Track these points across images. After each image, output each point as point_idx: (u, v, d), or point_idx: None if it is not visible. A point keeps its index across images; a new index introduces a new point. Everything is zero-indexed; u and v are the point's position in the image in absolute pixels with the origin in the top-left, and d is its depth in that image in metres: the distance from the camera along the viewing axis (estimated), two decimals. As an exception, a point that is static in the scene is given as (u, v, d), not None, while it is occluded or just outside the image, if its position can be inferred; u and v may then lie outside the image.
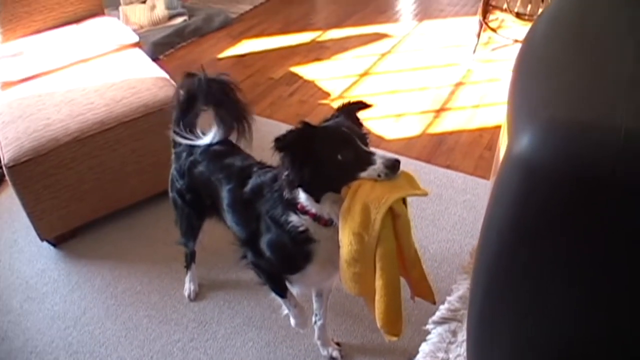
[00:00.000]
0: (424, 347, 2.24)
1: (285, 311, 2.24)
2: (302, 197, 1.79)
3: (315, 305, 2.39)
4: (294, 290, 2.16)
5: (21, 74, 3.35)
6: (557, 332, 1.12)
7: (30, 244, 3.10)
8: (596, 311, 1.04)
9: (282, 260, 2.01)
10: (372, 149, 1.71)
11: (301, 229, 1.86)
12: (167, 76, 3.27)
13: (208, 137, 2.29)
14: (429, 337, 2.26)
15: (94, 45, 3.57)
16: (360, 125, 1.88)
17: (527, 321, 1.14)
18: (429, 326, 2.29)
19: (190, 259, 2.73)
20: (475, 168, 3.40)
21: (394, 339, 1.84)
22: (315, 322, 2.41)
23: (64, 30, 3.78)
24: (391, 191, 1.63)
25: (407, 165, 3.35)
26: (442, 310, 2.33)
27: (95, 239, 3.12)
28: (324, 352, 2.45)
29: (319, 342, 2.45)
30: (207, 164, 2.28)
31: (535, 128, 0.93)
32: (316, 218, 1.82)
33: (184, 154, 2.38)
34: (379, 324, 1.79)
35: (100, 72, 3.30)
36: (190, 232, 2.57)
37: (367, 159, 1.65)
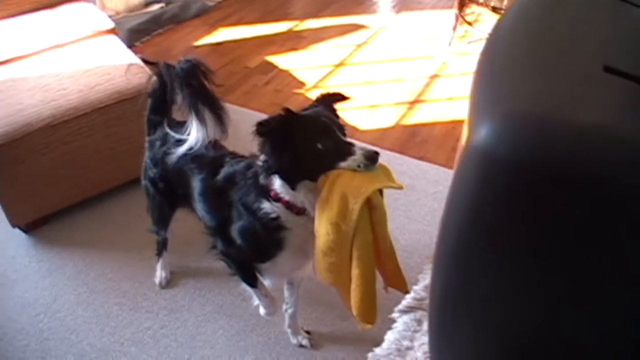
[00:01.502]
0: (390, 336, 2.26)
1: (256, 301, 2.26)
2: (277, 184, 1.81)
3: (286, 294, 2.41)
4: (265, 281, 2.17)
5: (-6, 59, 3.32)
6: (517, 322, 1.14)
7: (1, 230, 3.08)
8: (557, 304, 1.06)
9: (253, 248, 2.02)
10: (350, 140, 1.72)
11: (273, 215, 1.87)
12: (142, 63, 3.26)
13: (190, 141, 2.20)
14: (394, 325, 2.28)
15: (68, 30, 3.54)
16: (337, 116, 1.89)
17: (487, 309, 1.16)
18: (395, 315, 2.31)
19: (161, 247, 2.74)
20: (447, 160, 3.43)
21: (368, 327, 1.87)
22: (286, 310, 2.44)
23: (38, 15, 3.74)
24: (370, 182, 1.65)
25: (381, 156, 3.37)
26: (408, 299, 2.35)
27: (67, 226, 3.11)
28: (293, 341, 2.47)
29: (289, 331, 2.48)
30: (179, 154, 2.24)
31: (494, 120, 0.95)
32: (289, 206, 1.84)
33: (158, 143, 2.38)
34: (354, 312, 1.81)
35: (75, 58, 3.28)
36: (162, 220, 2.59)
37: (346, 149, 1.67)
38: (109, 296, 2.71)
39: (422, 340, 2.16)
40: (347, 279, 1.77)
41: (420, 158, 3.46)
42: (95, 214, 3.17)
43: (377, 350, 2.27)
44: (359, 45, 4.86)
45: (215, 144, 2.26)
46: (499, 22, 1.40)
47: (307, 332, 2.50)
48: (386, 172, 1.73)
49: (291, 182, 1.77)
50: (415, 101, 4.06)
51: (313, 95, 4.02)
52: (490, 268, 1.08)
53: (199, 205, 2.20)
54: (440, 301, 1.23)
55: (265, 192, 1.85)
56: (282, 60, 4.66)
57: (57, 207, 3.10)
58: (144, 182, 2.54)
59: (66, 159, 2.95)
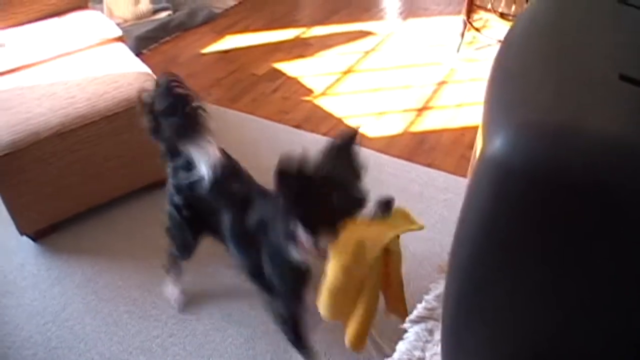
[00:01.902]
0: (401, 346, 2.24)
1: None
2: (299, 230, 1.82)
3: None
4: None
5: (2, 67, 3.32)
6: (531, 335, 1.13)
7: (9, 238, 3.08)
8: (572, 317, 1.06)
9: (289, 292, 2.06)
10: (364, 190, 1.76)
11: (302, 266, 1.93)
12: (150, 71, 3.26)
13: (203, 175, 2.23)
14: (405, 335, 2.26)
15: (76, 38, 3.55)
16: (354, 156, 1.90)
17: (501, 319, 1.15)
18: (406, 325, 2.29)
19: (176, 267, 2.68)
20: (456, 167, 3.42)
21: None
22: None
23: (46, 23, 3.75)
24: (387, 230, 1.71)
25: (389, 163, 3.40)
26: (419, 309, 2.33)
27: (76, 234, 3.10)
28: None
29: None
30: (207, 188, 2.25)
31: (509, 129, 0.94)
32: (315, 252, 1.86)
33: (181, 170, 2.33)
34: (347, 343, 1.89)
35: (83, 66, 3.28)
36: (185, 248, 2.54)
37: (361, 200, 1.71)
38: (118, 304, 2.70)
39: (434, 351, 2.14)
40: (348, 315, 1.84)
41: (429, 165, 3.45)
42: (104, 222, 3.16)
43: (388, 360, 2.26)
44: (366, 52, 4.86)
45: (233, 166, 2.31)
46: (511, 29, 1.40)
47: None
48: (404, 215, 1.80)
49: (311, 230, 1.80)
50: (424, 108, 4.05)
51: (321, 102, 4.03)
52: (504, 278, 1.07)
53: (231, 246, 2.24)
54: (454, 311, 1.23)
55: (292, 237, 1.86)
56: (289, 68, 4.66)
57: (65, 215, 3.10)
58: (168, 207, 2.46)
59: (74, 167, 2.95)
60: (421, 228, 1.78)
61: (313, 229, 1.79)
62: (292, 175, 1.71)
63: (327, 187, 1.73)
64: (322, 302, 1.80)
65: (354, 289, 1.75)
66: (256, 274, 2.14)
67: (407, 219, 1.80)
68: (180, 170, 2.33)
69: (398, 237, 1.80)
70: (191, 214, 2.38)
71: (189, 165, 2.28)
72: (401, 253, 1.85)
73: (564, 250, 0.97)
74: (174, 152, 2.34)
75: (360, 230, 1.69)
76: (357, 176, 1.81)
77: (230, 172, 2.27)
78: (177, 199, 2.39)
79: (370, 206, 1.69)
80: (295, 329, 2.18)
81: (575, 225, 0.94)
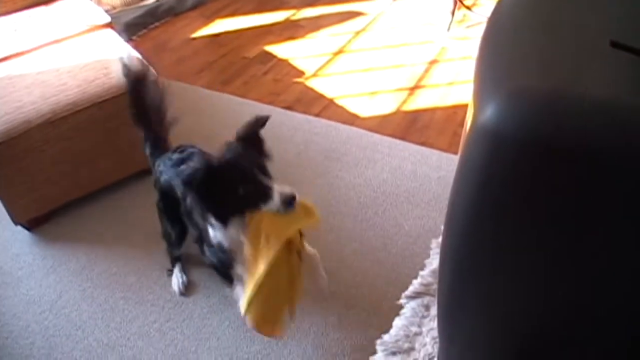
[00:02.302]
0: (397, 322, 2.26)
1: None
2: (212, 221, 2.02)
3: None
4: None
5: (-9, 56, 3.30)
6: (526, 303, 1.13)
7: (3, 228, 3.08)
8: (563, 280, 1.05)
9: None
10: (269, 182, 1.91)
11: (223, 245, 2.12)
12: (140, 56, 3.24)
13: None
14: (402, 311, 2.28)
15: (65, 26, 3.52)
16: (261, 144, 2.07)
17: (496, 293, 1.15)
18: (402, 301, 2.31)
19: (175, 259, 2.77)
20: (449, 145, 3.41)
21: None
22: None
23: (34, 12, 3.72)
24: (288, 225, 1.87)
25: (382, 142, 3.38)
26: (415, 284, 2.35)
27: (70, 222, 3.09)
28: None
29: None
30: (168, 171, 2.46)
31: (500, 97, 0.94)
32: None
33: (156, 167, 2.58)
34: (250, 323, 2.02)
35: (72, 53, 3.26)
36: (170, 239, 2.68)
37: (266, 193, 1.87)
38: (114, 291, 2.70)
39: (431, 326, 2.15)
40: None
41: (422, 144, 3.44)
42: (97, 209, 3.16)
43: (385, 337, 2.27)
44: (357, 33, 4.83)
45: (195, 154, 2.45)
46: (499, 3, 1.39)
47: None
48: (306, 210, 1.92)
49: (222, 220, 1.97)
50: (415, 87, 4.03)
51: (312, 84, 4.02)
52: (498, 247, 1.07)
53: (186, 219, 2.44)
54: (449, 284, 1.23)
55: (211, 226, 2.07)
56: (280, 50, 4.64)
57: (59, 203, 3.08)
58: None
59: (67, 154, 2.94)
60: (317, 222, 1.93)
61: (223, 217, 1.96)
62: (196, 181, 1.89)
63: (232, 178, 1.90)
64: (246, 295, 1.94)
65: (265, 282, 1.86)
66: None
67: (308, 214, 1.93)
68: (155, 163, 2.59)
69: (301, 234, 2.00)
70: (165, 203, 2.57)
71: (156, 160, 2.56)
72: (312, 254, 2.13)
73: (556, 217, 0.97)
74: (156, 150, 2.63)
75: (266, 223, 1.85)
76: (263, 168, 1.97)
77: (188, 155, 2.46)
78: (157, 198, 2.62)
79: (273, 201, 1.85)
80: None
81: (567, 190, 0.93)
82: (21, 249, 2.97)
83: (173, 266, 2.74)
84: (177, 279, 2.70)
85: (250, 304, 1.90)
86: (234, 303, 2.57)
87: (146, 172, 3.18)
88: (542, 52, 1.04)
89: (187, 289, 2.68)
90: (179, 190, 2.26)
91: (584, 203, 0.94)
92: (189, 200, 2.10)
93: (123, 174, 3.22)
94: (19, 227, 3.04)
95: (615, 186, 0.91)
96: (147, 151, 2.66)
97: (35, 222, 3.07)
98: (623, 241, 0.97)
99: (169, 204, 2.49)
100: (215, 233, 2.06)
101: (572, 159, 0.90)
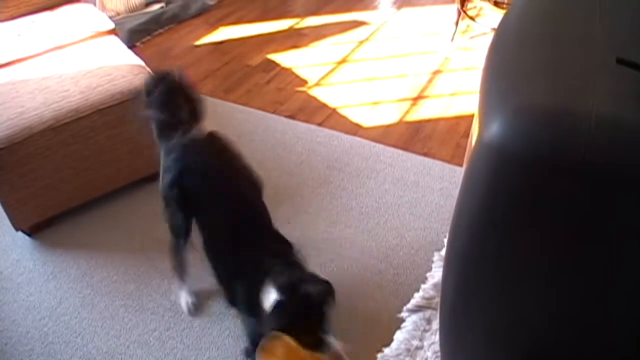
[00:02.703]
0: (399, 335, 2.25)
1: None
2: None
3: None
4: None
5: (-5, 61, 3.30)
6: (528, 317, 1.13)
7: (4, 234, 3.07)
8: (568, 298, 1.05)
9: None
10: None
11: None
12: (143, 63, 3.24)
13: None
14: (403, 325, 2.27)
15: (69, 32, 3.52)
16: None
17: (499, 307, 1.14)
18: (404, 314, 2.30)
19: (182, 270, 2.62)
20: (452, 156, 3.41)
21: None
22: None
23: (38, 17, 3.73)
24: None
25: (384, 152, 3.38)
26: (416, 298, 2.34)
27: (71, 228, 3.09)
28: None
29: None
30: (187, 156, 2.34)
31: (505, 114, 0.94)
32: None
33: (166, 148, 2.43)
34: None
35: (75, 59, 3.26)
36: (177, 229, 2.49)
37: (316, 346, 1.89)
38: (114, 298, 2.69)
39: (432, 340, 2.14)
40: None
41: (425, 154, 3.44)
42: (98, 216, 3.15)
43: (386, 350, 2.26)
44: (360, 42, 4.83)
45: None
46: (505, 17, 1.39)
47: None
48: None
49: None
50: (419, 97, 4.03)
51: (315, 93, 4.01)
52: (502, 263, 1.06)
53: (207, 252, 2.32)
54: (452, 298, 1.22)
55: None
56: (283, 58, 4.64)
57: (60, 209, 3.08)
58: (160, 188, 2.50)
59: (68, 161, 2.93)
60: None
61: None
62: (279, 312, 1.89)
63: (297, 324, 1.88)
64: None
65: None
66: (227, 290, 2.26)
67: None
68: (170, 152, 2.40)
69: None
70: (180, 193, 2.37)
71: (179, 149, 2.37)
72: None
73: (560, 232, 0.96)
74: (166, 134, 2.44)
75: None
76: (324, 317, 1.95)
77: (222, 167, 2.36)
78: (168, 178, 2.39)
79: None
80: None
81: (572, 206, 0.93)
82: (21, 255, 2.97)
83: (182, 279, 2.62)
84: (185, 300, 2.63)
85: None
86: (234, 312, 2.56)
87: (147, 179, 3.19)
88: (547, 68, 1.04)
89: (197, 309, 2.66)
90: (200, 189, 2.27)
91: (588, 219, 0.94)
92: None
93: (124, 181, 3.21)
94: (20, 233, 3.04)
95: (621, 203, 0.91)
96: (155, 133, 2.53)
97: (36, 228, 3.06)
98: (627, 257, 0.97)
99: (182, 191, 2.35)
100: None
101: (577, 176, 0.89)
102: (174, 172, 2.33)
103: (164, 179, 2.41)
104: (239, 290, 2.13)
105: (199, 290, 2.68)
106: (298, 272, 2.03)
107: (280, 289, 1.91)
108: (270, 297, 1.93)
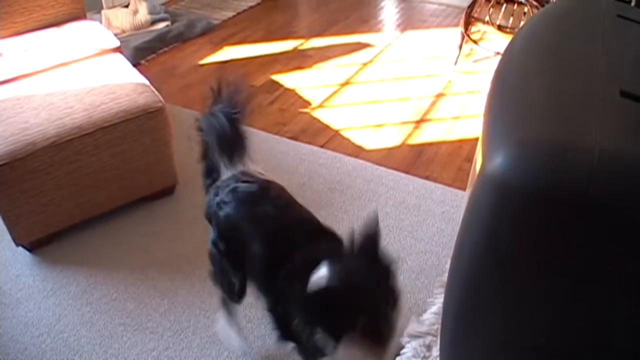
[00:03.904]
0: (398, 362, 2.24)
1: None
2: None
3: None
4: None
5: (-1, 77, 3.32)
6: (530, 347, 1.12)
7: (5, 249, 3.07)
8: (569, 332, 1.05)
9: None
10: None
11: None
12: (147, 82, 3.25)
13: None
14: (403, 351, 2.25)
15: (74, 49, 3.54)
16: (384, 263, 1.75)
17: (500, 336, 1.14)
18: (404, 340, 2.29)
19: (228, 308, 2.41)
20: (454, 179, 3.41)
21: None
22: None
23: (44, 33, 3.75)
24: None
25: (386, 175, 3.38)
26: (417, 323, 2.33)
27: (71, 245, 3.08)
28: None
29: None
30: (235, 206, 2.09)
31: (509, 147, 0.94)
32: None
33: (212, 195, 2.21)
34: None
35: (80, 76, 3.28)
36: (230, 288, 2.26)
37: (387, 333, 1.66)
38: (113, 317, 2.68)
39: (432, 366, 2.14)
40: None
41: (427, 178, 3.44)
42: (99, 234, 3.15)
43: (386, 376, 2.24)
44: (364, 64, 4.86)
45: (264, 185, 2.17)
46: (511, 44, 1.40)
47: None
48: None
49: (334, 336, 1.65)
50: (421, 120, 4.04)
51: (318, 114, 4.02)
52: (503, 293, 1.06)
53: (255, 282, 2.10)
54: (453, 326, 1.22)
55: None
56: (287, 79, 4.66)
57: (61, 226, 3.08)
58: (209, 247, 2.25)
59: (71, 178, 2.94)
60: None
61: (335, 334, 1.64)
62: (318, 297, 1.60)
63: (355, 306, 1.61)
64: None
65: None
66: (277, 319, 1.99)
67: None
68: (210, 192, 2.24)
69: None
70: (226, 245, 2.16)
71: (217, 187, 2.20)
72: None
73: (563, 267, 0.96)
74: (213, 173, 2.30)
75: None
76: (388, 298, 1.70)
77: (260, 190, 2.15)
78: (213, 234, 2.21)
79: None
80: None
81: (575, 240, 0.93)
82: (21, 270, 2.96)
83: (223, 307, 2.43)
84: (226, 331, 2.47)
85: None
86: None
87: (150, 197, 3.20)
88: (551, 100, 1.04)
89: (187, 317, 2.64)
90: (248, 235, 2.01)
91: (591, 253, 0.94)
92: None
93: (126, 199, 3.21)
94: (20, 248, 3.03)
95: (625, 238, 0.91)
96: (203, 172, 2.38)
97: (37, 244, 3.06)
98: (630, 292, 0.97)
99: (231, 246, 2.14)
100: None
101: (580, 210, 0.90)
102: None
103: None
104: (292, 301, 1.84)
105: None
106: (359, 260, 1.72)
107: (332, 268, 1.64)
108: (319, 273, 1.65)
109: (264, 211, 2.04)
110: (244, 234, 2.04)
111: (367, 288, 1.64)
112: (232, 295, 2.29)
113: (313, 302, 1.62)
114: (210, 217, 2.21)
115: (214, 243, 2.19)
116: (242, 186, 2.13)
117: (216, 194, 2.17)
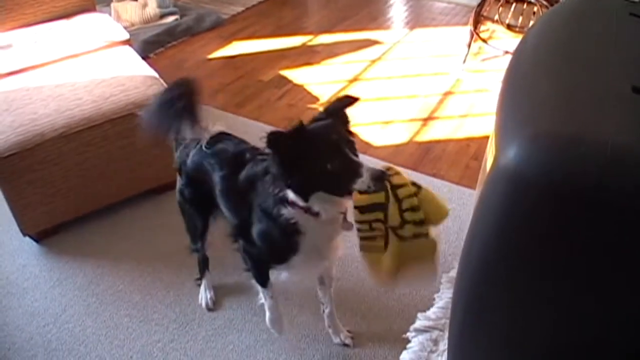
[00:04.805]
0: (405, 356, 2.24)
1: (261, 300, 2.29)
2: (290, 195, 1.82)
3: (320, 294, 2.43)
4: (282, 275, 2.19)
5: (9, 67, 3.32)
6: (538, 342, 1.12)
7: (12, 238, 3.08)
8: (576, 328, 1.05)
9: (271, 251, 2.06)
10: (358, 158, 1.73)
11: (292, 220, 1.89)
12: (157, 75, 3.26)
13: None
14: (409, 345, 2.26)
15: (83, 41, 3.55)
16: (347, 123, 1.90)
17: (509, 332, 1.14)
18: (410, 334, 2.29)
19: (203, 267, 2.69)
20: (461, 177, 3.41)
21: None
22: (323, 311, 2.45)
23: (54, 25, 3.76)
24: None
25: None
26: (423, 319, 2.33)
27: (78, 236, 3.09)
28: (335, 340, 2.48)
29: (330, 330, 2.48)
30: (199, 151, 2.28)
31: (522, 141, 0.94)
32: (307, 210, 1.84)
33: (181, 149, 2.40)
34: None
35: (89, 68, 3.29)
36: (196, 232, 2.54)
37: (355, 171, 1.68)
38: (119, 308, 2.69)
39: (438, 361, 2.14)
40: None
41: (434, 175, 3.44)
42: (106, 225, 3.16)
43: (392, 370, 2.25)
44: (372, 61, 4.86)
45: (231, 137, 2.32)
46: (523, 41, 1.40)
47: (349, 331, 2.49)
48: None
49: (302, 195, 1.80)
50: (429, 118, 4.04)
51: (327, 110, 4.01)
52: (513, 286, 1.06)
53: (221, 202, 2.23)
54: (462, 319, 1.22)
55: (283, 200, 1.86)
56: (295, 75, 4.66)
57: (68, 216, 3.09)
58: (177, 198, 2.53)
59: (79, 169, 2.95)
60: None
61: (305, 193, 1.79)
62: (283, 140, 1.70)
63: (323, 150, 1.72)
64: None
65: None
66: (242, 230, 2.14)
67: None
68: (179, 149, 2.42)
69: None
70: (192, 191, 2.41)
71: (187, 145, 2.37)
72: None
73: (575, 260, 0.96)
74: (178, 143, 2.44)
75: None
76: (352, 144, 1.78)
77: (221, 135, 2.32)
78: (180, 183, 2.46)
79: (363, 179, 1.67)
80: (260, 273, 2.20)
81: (586, 233, 0.93)
82: (28, 260, 2.97)
83: (202, 274, 2.70)
84: (204, 295, 2.69)
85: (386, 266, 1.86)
86: (240, 326, 2.56)
87: (157, 190, 3.20)
88: (564, 95, 1.04)
89: (192, 310, 2.66)
90: (214, 170, 2.20)
91: (602, 245, 0.94)
92: (265, 166, 1.92)
93: (133, 191, 3.22)
94: (27, 238, 3.05)
95: (635, 230, 0.91)
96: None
97: (44, 234, 3.07)
98: (638, 285, 0.97)
99: (196, 191, 2.39)
100: (284, 209, 1.88)
101: (592, 203, 0.90)
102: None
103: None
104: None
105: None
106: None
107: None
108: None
109: (222, 147, 2.24)
110: (206, 168, 2.24)
111: (330, 133, 1.76)
112: (196, 237, 2.55)
113: (284, 140, 1.72)
114: (180, 166, 2.42)
115: (181, 191, 2.47)
116: (206, 139, 2.30)
117: (185, 147, 2.38)
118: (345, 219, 1.96)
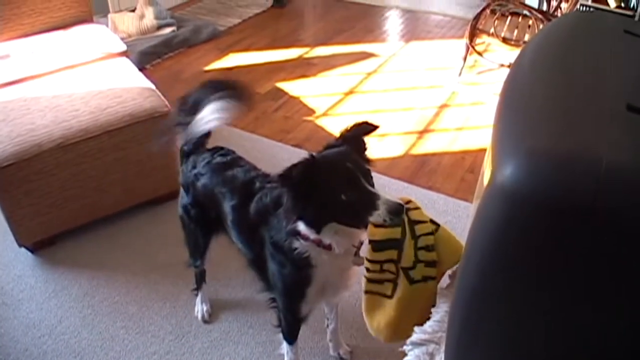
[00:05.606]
0: (401, 369, 2.23)
1: (282, 352, 2.30)
2: (302, 227, 1.78)
3: (326, 310, 2.42)
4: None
5: (7, 77, 3.33)
6: (535, 354, 1.13)
7: (7, 249, 3.08)
8: (574, 342, 1.06)
9: (288, 289, 2.02)
10: (374, 189, 1.68)
11: (304, 255, 1.86)
12: (153, 86, 3.27)
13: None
14: (406, 359, 2.25)
15: (81, 52, 3.56)
16: (364, 151, 1.87)
17: (506, 344, 1.15)
18: (406, 347, 2.28)
19: (200, 279, 2.67)
20: (456, 190, 3.42)
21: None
22: (327, 326, 2.45)
23: (51, 36, 3.77)
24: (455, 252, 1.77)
25: (389, 185, 3.39)
26: (419, 332, 2.32)
27: (74, 247, 3.09)
28: (334, 353, 2.48)
29: (330, 344, 2.48)
30: (210, 176, 2.24)
31: (518, 158, 0.95)
32: (319, 244, 1.81)
33: (189, 167, 2.35)
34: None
35: (86, 79, 3.29)
36: (197, 250, 2.50)
37: (371, 203, 1.62)
38: (114, 319, 2.69)
39: (434, 375, 2.13)
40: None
41: (429, 188, 3.45)
42: (103, 236, 3.16)
43: (386, 383, 2.25)
44: (368, 74, 4.88)
45: (237, 157, 2.32)
46: (520, 56, 1.41)
47: (348, 345, 2.51)
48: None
49: (315, 227, 1.75)
50: (425, 131, 4.06)
51: (322, 123, 4.04)
52: (510, 301, 1.07)
53: (233, 233, 2.20)
54: (458, 333, 1.22)
55: (295, 232, 1.82)
56: (292, 87, 4.68)
57: (64, 227, 3.09)
58: (179, 211, 2.48)
59: (75, 180, 2.95)
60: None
61: (317, 224, 1.74)
62: (295, 176, 1.66)
63: (337, 181, 1.67)
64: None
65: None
66: (258, 265, 2.12)
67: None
68: (187, 167, 2.37)
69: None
70: (198, 212, 2.37)
71: (195, 163, 2.33)
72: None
73: (571, 277, 0.97)
74: (185, 156, 2.42)
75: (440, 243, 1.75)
76: (367, 174, 1.71)
77: (232, 160, 2.29)
78: (185, 200, 2.41)
79: (379, 212, 1.61)
80: (290, 325, 2.18)
81: (584, 252, 0.94)
82: (23, 271, 2.97)
83: (199, 287, 2.67)
84: (200, 307, 2.69)
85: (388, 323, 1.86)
86: (236, 338, 2.56)
87: (154, 201, 3.21)
88: (560, 112, 1.05)
89: (188, 322, 2.66)
90: (225, 199, 2.15)
91: (598, 265, 0.95)
92: (278, 198, 1.89)
93: (130, 203, 3.23)
94: (23, 249, 3.04)
95: (631, 249, 0.92)
96: (183, 144, 2.46)
97: (40, 245, 3.07)
98: (636, 302, 0.98)
99: (203, 213, 2.34)
100: (296, 243, 1.84)
101: (587, 221, 0.91)
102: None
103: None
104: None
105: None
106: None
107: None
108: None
109: (232, 174, 2.19)
110: (217, 197, 2.19)
111: (344, 162, 1.70)
112: (196, 255, 2.52)
113: (297, 175, 1.67)
114: (187, 185, 2.37)
115: (185, 209, 2.42)
116: (217, 157, 2.30)
117: (194, 167, 2.32)
118: (357, 252, 1.91)
